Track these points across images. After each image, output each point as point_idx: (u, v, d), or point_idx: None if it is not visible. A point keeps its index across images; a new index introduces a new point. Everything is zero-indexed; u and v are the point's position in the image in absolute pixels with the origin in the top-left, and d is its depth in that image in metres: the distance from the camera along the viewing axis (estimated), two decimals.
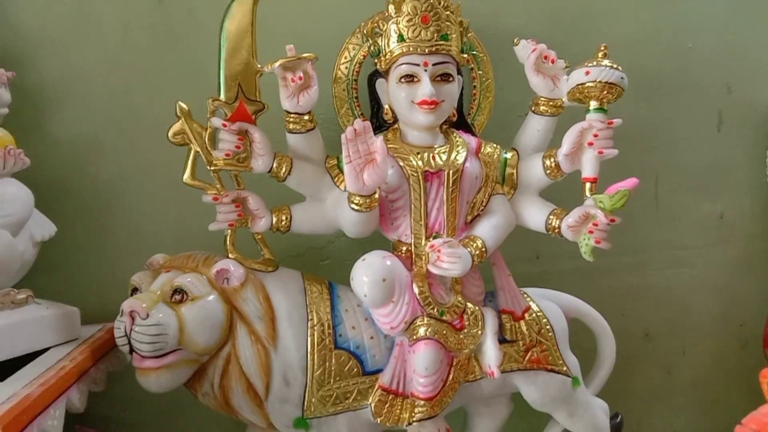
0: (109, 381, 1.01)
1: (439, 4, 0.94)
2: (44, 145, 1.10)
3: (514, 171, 1.03)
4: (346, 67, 1.02)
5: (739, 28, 1.30)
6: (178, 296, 0.90)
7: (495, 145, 1.03)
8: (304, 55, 0.91)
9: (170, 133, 0.93)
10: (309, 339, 0.95)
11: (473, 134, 1.04)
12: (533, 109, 1.02)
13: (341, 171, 0.95)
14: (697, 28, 1.28)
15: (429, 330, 0.94)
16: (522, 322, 1.02)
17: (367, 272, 0.92)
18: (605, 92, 0.93)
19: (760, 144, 1.32)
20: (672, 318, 1.37)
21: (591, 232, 0.94)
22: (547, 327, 1.04)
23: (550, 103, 1.00)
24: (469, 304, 0.99)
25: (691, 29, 1.28)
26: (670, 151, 1.30)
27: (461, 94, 1.02)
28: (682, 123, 1.30)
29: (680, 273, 1.36)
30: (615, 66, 0.92)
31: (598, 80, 0.92)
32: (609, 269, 1.30)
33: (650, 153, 1.29)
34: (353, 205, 0.92)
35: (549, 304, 1.07)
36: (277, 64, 0.90)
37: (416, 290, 0.95)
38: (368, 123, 0.88)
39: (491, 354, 0.98)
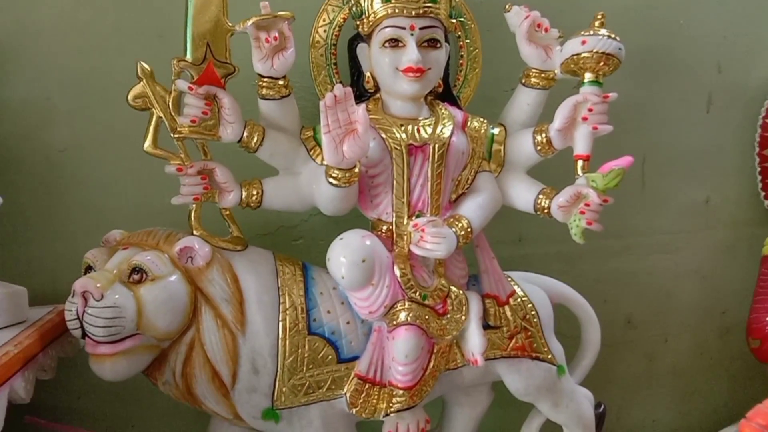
0: (60, 368, 0.95)
1: None
2: None
3: (501, 147, 1.00)
4: (325, 31, 0.97)
5: (732, 5, 1.29)
6: (136, 276, 0.85)
7: (482, 120, 1.00)
8: (280, 13, 0.87)
9: (130, 97, 0.88)
10: (280, 324, 0.91)
11: (459, 107, 1.01)
12: (523, 81, 0.99)
13: (318, 143, 0.93)
14: (691, 3, 1.26)
15: (410, 315, 0.91)
16: (506, 307, 1.00)
17: (345, 252, 0.88)
18: (602, 63, 0.90)
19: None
20: (655, 305, 1.36)
21: (582, 212, 0.92)
22: (533, 312, 1.02)
23: (542, 75, 0.97)
24: (453, 288, 0.96)
25: (683, 5, 1.26)
26: (658, 132, 1.29)
27: (447, 65, 0.99)
28: (672, 103, 1.29)
29: (664, 258, 1.35)
30: (613, 36, 0.90)
31: (594, 50, 0.89)
32: (592, 253, 1.28)
33: (638, 133, 1.27)
34: (331, 180, 0.87)
35: (534, 289, 1.05)
36: (250, 22, 0.86)
37: (397, 272, 0.92)
38: (349, 89, 0.83)
39: (475, 341, 0.95)
